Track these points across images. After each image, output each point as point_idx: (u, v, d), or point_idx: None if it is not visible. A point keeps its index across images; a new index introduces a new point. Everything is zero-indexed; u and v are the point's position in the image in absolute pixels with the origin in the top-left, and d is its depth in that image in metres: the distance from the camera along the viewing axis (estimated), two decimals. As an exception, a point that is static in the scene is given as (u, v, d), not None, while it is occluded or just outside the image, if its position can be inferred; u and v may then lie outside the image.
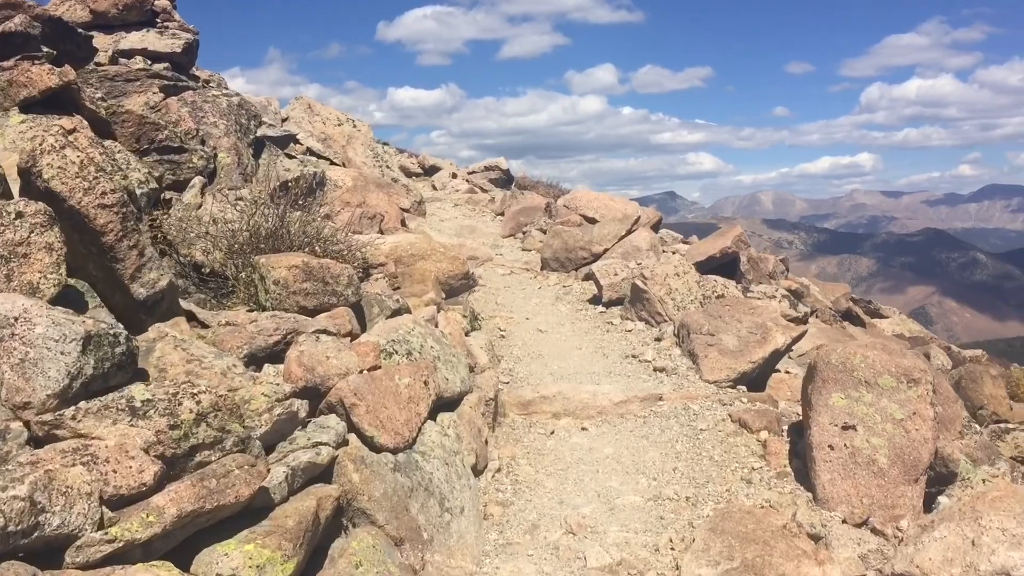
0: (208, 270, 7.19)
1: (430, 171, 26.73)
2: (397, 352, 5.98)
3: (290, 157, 14.98)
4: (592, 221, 17.44)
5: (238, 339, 5.37)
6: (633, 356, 8.68)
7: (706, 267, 13.06)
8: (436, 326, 7.29)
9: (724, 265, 13.73)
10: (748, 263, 11.86)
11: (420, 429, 5.35)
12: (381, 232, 10.58)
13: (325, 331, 5.75)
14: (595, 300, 11.34)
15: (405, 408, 5.28)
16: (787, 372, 8.23)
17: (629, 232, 13.07)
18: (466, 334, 8.43)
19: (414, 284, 8.25)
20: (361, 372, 5.33)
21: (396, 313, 6.98)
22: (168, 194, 9.85)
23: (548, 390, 7.45)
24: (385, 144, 39.54)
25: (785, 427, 6.70)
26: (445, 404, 6.13)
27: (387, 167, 17.77)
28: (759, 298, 10.10)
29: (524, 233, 16.63)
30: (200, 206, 8.72)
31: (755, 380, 7.88)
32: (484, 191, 23.54)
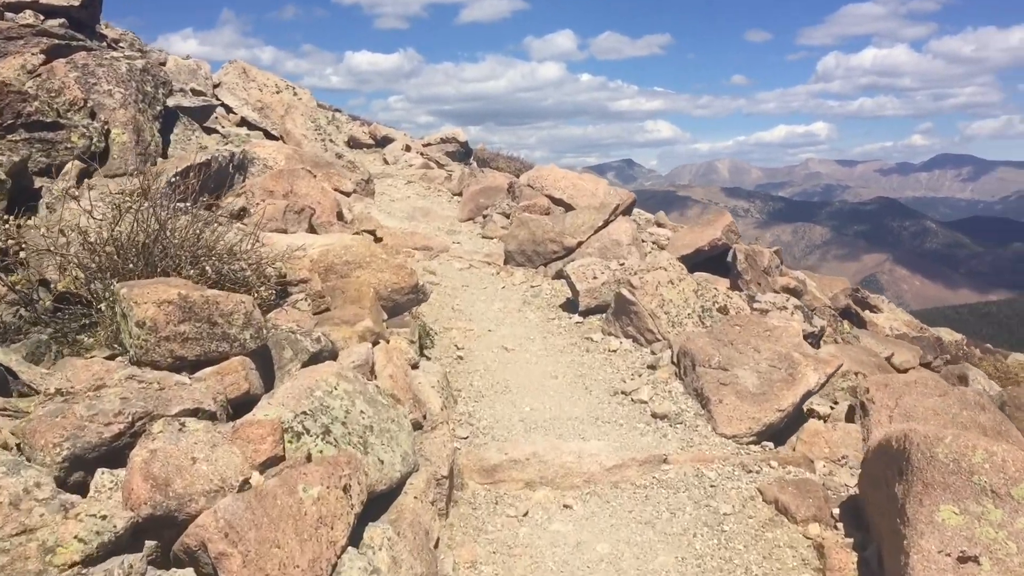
0: (62, 293, 5.30)
1: (382, 142, 24.68)
2: (309, 431, 4.16)
3: (210, 132, 12.96)
4: (560, 203, 15.67)
5: (57, 431, 3.53)
6: (624, 393, 6.92)
7: (692, 261, 11.38)
8: (371, 370, 5.49)
9: (712, 259, 12.07)
10: (746, 260, 10.18)
11: (335, 570, 3.56)
12: (312, 229, 8.69)
13: (198, 410, 3.92)
14: (570, 306, 9.60)
15: (312, 539, 3.48)
16: (818, 416, 6.56)
17: (607, 223, 11.32)
18: (414, 366, 6.64)
19: (347, 305, 6.42)
20: (244, 486, 3.52)
21: (316, 358, 5.16)
22: (42, 182, 7.87)
23: (520, 451, 5.68)
24: (337, 111, 37.20)
25: (836, 509, 5.04)
26: (379, 500, 4.35)
27: (331, 140, 15.78)
28: (767, 309, 8.43)
29: (485, 217, 14.80)
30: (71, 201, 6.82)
31: (781, 429, 6.21)
32: (440, 166, 21.60)
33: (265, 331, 4.88)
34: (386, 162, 21.10)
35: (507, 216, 14.52)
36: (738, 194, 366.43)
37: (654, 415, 6.41)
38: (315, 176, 10.55)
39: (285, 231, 7.98)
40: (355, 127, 31.64)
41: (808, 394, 6.30)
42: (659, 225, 18.54)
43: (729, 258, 11.51)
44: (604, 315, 8.86)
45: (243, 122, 17.25)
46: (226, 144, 11.75)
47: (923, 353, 11.75)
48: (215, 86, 17.71)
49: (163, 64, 17.66)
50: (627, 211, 16.20)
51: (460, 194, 16.39)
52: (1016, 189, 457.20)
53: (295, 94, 17.73)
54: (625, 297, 8.17)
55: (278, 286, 6.00)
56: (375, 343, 6.07)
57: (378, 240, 12.65)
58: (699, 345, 6.82)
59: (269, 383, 4.97)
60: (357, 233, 10.41)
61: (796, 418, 6.36)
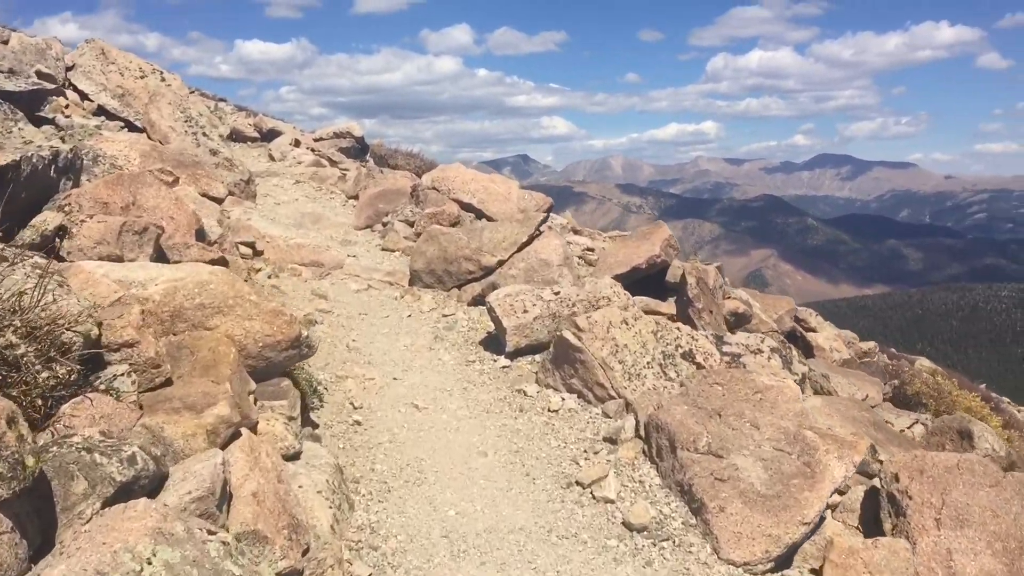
0: None
1: (268, 136, 22.37)
2: None
3: (42, 123, 10.64)
4: (470, 209, 13.90)
5: None
6: (580, 484, 5.18)
7: (626, 281, 9.79)
8: (224, 490, 3.61)
9: (650, 278, 10.51)
10: (698, 285, 8.61)
11: None
12: (162, 254, 6.64)
13: None
14: (493, 344, 7.83)
15: None
16: (841, 520, 4.98)
17: (531, 238, 9.60)
18: (293, 456, 4.76)
19: (195, 376, 4.50)
20: None
21: (127, 490, 3.25)
22: None
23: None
24: (222, 101, 34.35)
25: None
26: None
27: (204, 134, 13.55)
28: (740, 353, 6.87)
29: (385, 225, 12.89)
30: None
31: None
32: (334, 163, 19.50)
33: (34, 459, 2.94)
34: (272, 158, 18.88)
35: (411, 224, 12.66)
36: (631, 190, 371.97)
37: (627, 525, 4.70)
38: (173, 180, 8.51)
39: (120, 258, 5.93)
40: (240, 118, 29.12)
41: (835, 491, 4.73)
42: (575, 232, 16.98)
43: (672, 279, 9.97)
44: (538, 358, 7.15)
45: (101, 111, 14.81)
46: (60, 137, 9.51)
47: (883, 385, 10.50)
48: (68, 68, 15.19)
49: (5, 42, 15.07)
50: (544, 215, 14.62)
51: (356, 197, 14.41)
52: (890, 188, 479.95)
53: (163, 79, 15.35)
54: (568, 342, 6.46)
55: (86, 355, 4.02)
56: (234, 437, 4.17)
57: (258, 254, 10.61)
58: (677, 418, 5.16)
59: (48, 537, 3.05)
60: (226, 252, 8.40)
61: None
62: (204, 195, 9.51)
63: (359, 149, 21.54)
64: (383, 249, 11.93)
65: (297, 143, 20.57)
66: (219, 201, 9.79)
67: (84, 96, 14.89)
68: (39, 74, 13.96)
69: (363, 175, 14.72)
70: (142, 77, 15.09)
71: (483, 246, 9.38)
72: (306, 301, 9.16)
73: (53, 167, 6.76)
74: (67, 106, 14.07)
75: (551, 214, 16.16)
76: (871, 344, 17.86)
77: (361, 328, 8.54)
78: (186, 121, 13.44)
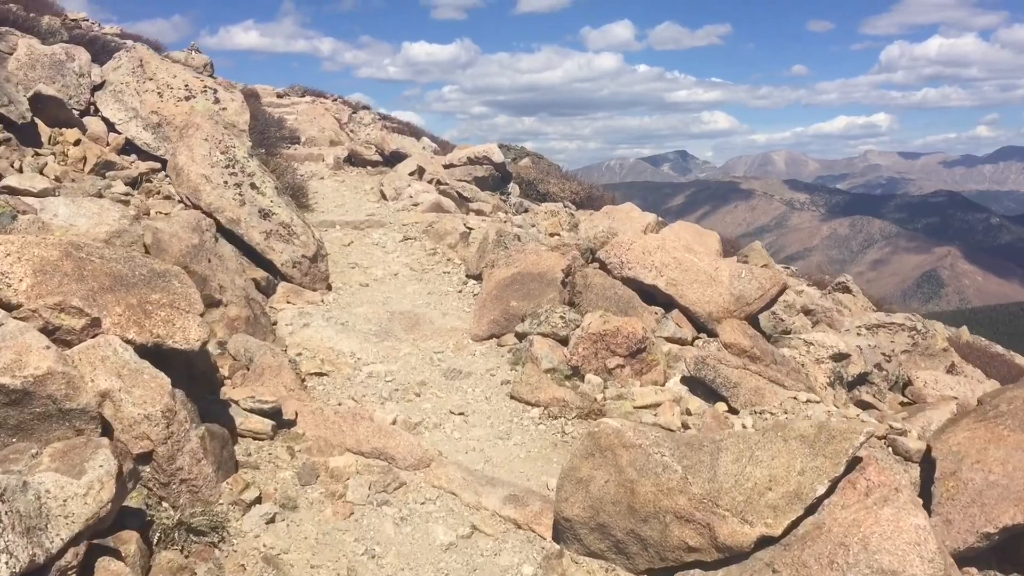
0: None
1: (392, 159, 17.97)
2: None
3: None
4: (655, 295, 8.78)
5: None
6: None
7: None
8: None
9: None
10: None
11: None
12: None
13: None
14: None
15: None
16: None
17: (833, 487, 4.24)
18: None
19: None
20: None
21: None
22: None
23: None
24: (364, 109, 30.26)
25: None
26: None
27: (253, 185, 8.90)
28: None
29: (520, 339, 7.87)
30: None
31: None
32: (463, 200, 14.72)
33: None
34: (383, 196, 14.29)
35: (563, 342, 7.57)
36: (797, 186, 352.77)
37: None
38: (86, 325, 3.87)
39: None
40: (372, 130, 24.89)
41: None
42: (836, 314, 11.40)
43: None
44: None
45: (130, 146, 10.52)
46: None
47: None
48: (95, 87, 11.01)
49: (10, 52, 11.04)
50: (771, 303, 9.51)
51: (479, 277, 9.46)
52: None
53: (215, 99, 10.89)
54: None
55: None
56: None
57: (282, 426, 5.83)
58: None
59: None
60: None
61: None
62: (159, 344, 4.76)
63: (499, 178, 16.67)
64: (512, 396, 6.89)
65: (421, 172, 15.92)
66: (192, 350, 4.98)
67: (111, 126, 10.65)
68: (37, 97, 9.76)
69: (492, 240, 9.72)
70: (187, 98, 10.67)
71: (718, 490, 4.15)
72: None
73: None
74: (76, 142, 9.81)
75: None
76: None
77: None
78: (227, 166, 8.85)
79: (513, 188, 17.01)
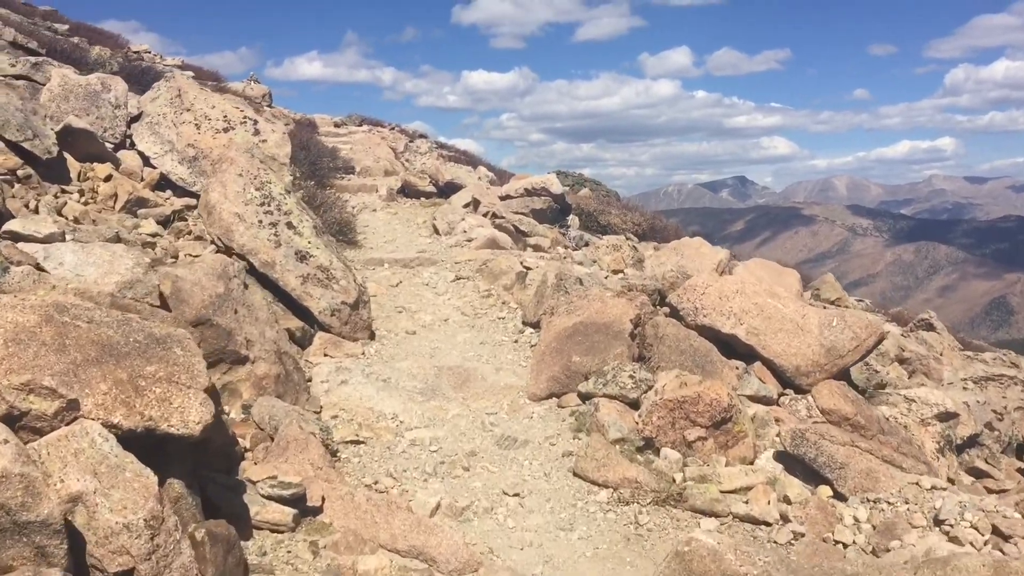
0: None
1: (446, 190, 17.25)
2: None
3: None
4: (733, 347, 7.79)
5: None
6: None
7: None
8: None
9: None
10: None
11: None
12: None
13: None
14: None
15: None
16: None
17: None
18: None
19: None
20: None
21: None
22: None
23: None
24: (421, 137, 29.69)
25: None
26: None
27: (290, 225, 8.12)
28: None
29: (584, 400, 6.91)
30: None
31: None
32: (520, 234, 13.85)
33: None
34: (436, 231, 13.49)
35: (632, 405, 6.59)
36: (859, 211, 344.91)
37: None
38: (60, 410, 3.05)
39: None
40: (428, 159, 24.24)
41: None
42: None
43: None
44: None
45: (165, 181, 9.87)
46: None
47: None
48: (133, 118, 10.41)
49: (45, 84, 10.52)
50: (866, 355, 8.47)
51: (537, 325, 8.52)
52: None
53: (255, 130, 10.18)
54: None
55: None
56: None
57: (305, 514, 4.93)
58: None
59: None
60: None
61: None
62: (150, 429, 3.93)
63: (557, 210, 15.76)
64: (575, 473, 5.92)
65: (476, 204, 15.12)
66: (191, 435, 4.13)
67: (147, 160, 10.02)
68: (67, 131, 9.16)
69: (551, 283, 8.79)
70: (225, 130, 9.99)
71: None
72: None
73: None
74: (107, 178, 9.18)
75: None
76: None
77: None
78: (262, 203, 8.10)
79: (572, 220, 16.07)
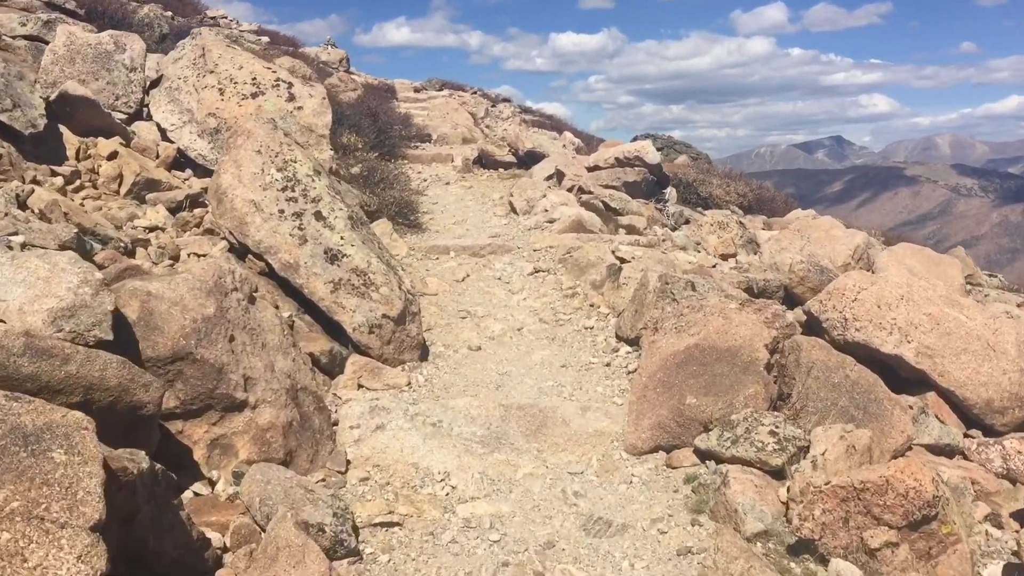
0: None
1: (527, 160, 15.42)
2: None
3: None
4: (898, 369, 5.75)
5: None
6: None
7: None
8: None
9: None
10: None
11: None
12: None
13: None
14: None
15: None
16: None
17: None
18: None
19: None
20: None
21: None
22: None
23: None
24: (504, 102, 27.70)
25: None
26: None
27: (319, 215, 6.36)
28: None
29: (703, 458, 4.97)
30: None
31: None
32: (610, 210, 11.82)
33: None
34: (513, 209, 11.60)
35: (775, 474, 4.63)
36: (964, 171, 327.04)
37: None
38: None
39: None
40: (511, 124, 22.28)
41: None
42: None
43: None
44: None
45: (183, 157, 8.22)
46: None
47: None
48: (151, 83, 8.78)
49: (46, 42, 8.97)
50: None
51: (635, 341, 6.57)
52: None
53: (290, 95, 8.41)
54: None
55: None
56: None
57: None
58: None
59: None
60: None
61: None
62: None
63: (653, 183, 13.64)
64: (701, 590, 4.02)
65: (560, 177, 13.20)
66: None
67: (164, 134, 8.38)
68: (64, 99, 7.56)
69: (653, 288, 6.80)
70: (254, 95, 8.24)
71: None
72: None
73: None
74: (111, 156, 7.55)
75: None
76: None
77: None
78: (284, 188, 6.32)
79: (671, 194, 13.93)
